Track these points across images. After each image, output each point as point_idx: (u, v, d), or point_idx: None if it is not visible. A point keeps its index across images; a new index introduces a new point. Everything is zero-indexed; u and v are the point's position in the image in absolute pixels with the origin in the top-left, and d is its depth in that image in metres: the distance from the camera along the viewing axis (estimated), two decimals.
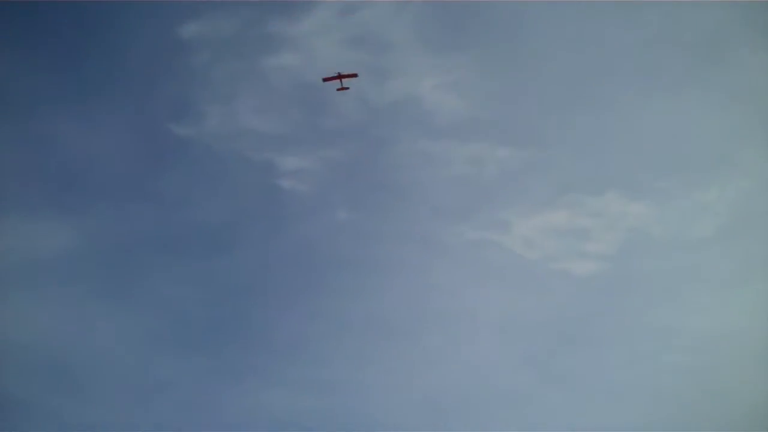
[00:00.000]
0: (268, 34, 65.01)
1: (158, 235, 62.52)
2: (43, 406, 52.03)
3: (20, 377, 53.30)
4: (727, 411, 49.22)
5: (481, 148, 63.66)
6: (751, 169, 59.18)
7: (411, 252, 62.06)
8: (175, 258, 61.65)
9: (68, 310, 57.79)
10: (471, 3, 63.85)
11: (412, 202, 63.81)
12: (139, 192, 63.54)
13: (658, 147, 61.75)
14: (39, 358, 54.69)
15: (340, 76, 55.13)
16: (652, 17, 62.34)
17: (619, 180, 61.44)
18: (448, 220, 63.00)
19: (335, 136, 64.93)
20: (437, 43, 65.22)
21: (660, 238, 60.08)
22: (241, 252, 62.90)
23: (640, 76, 62.68)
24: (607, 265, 59.71)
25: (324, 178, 64.51)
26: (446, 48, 65.17)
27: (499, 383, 56.29)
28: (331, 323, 59.70)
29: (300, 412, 54.66)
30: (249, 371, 57.27)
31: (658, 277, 58.31)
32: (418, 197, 63.88)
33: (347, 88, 56.17)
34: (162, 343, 57.53)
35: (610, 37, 63.31)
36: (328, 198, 64.19)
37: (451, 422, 53.99)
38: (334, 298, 60.56)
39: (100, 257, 60.61)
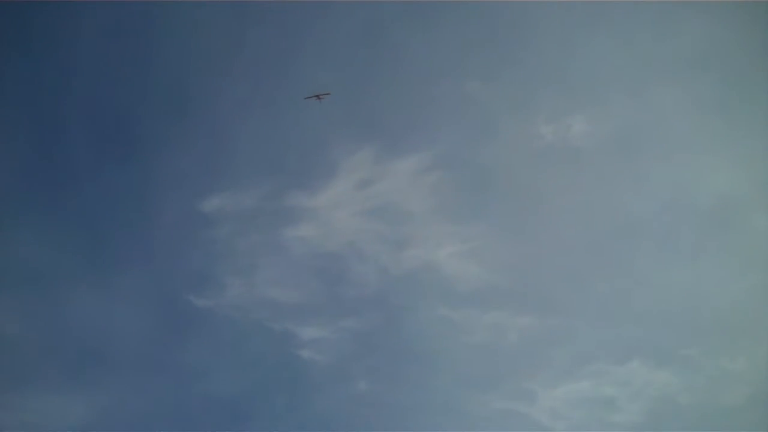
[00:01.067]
0: (287, 207, 67.07)
1: (176, 408, 61.59)
2: None
3: None
4: None
5: (501, 316, 63.63)
6: None
7: (435, 423, 60.62)
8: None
9: None
10: (486, 171, 66.27)
11: (434, 371, 63.03)
12: (157, 364, 63.31)
13: (680, 314, 61.52)
14: None
15: (317, 96, 59.86)
16: (664, 186, 64.24)
17: (643, 348, 60.83)
18: (473, 389, 61.99)
19: (354, 305, 65.16)
20: (454, 212, 66.96)
21: (688, 407, 58.80)
22: (260, 424, 61.70)
23: (657, 242, 63.66)
24: None
25: (343, 347, 64.16)
26: (463, 217, 66.79)
27: None
28: None
29: None
30: None
31: None
32: (440, 366, 63.12)
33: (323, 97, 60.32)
34: None
35: (625, 206, 64.96)
36: (347, 368, 63.54)
37: None
38: None
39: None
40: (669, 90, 64.54)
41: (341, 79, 67.40)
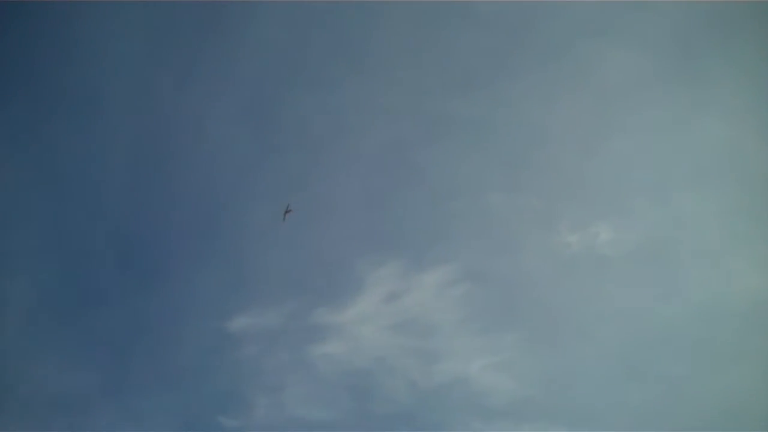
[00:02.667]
0: (313, 324, 66.76)
1: None
2: None
3: None
4: None
5: (535, 429, 62.42)
6: None
7: None
8: None
9: None
10: (512, 282, 66.17)
11: None
12: None
13: (717, 422, 60.03)
14: None
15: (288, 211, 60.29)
16: (695, 291, 63.55)
17: None
18: None
19: (385, 421, 63.88)
20: (482, 324, 66.34)
21: None
22: None
23: (690, 348, 62.49)
24: None
25: None
26: (492, 328, 66.12)
27: None
28: None
29: None
30: None
31: None
32: None
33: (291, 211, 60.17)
34: None
35: (657, 313, 64.06)
36: None
37: None
38: None
39: None
40: (693, 194, 64.71)
41: (364, 193, 68.50)
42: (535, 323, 65.87)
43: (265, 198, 68.80)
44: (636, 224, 65.95)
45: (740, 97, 63.43)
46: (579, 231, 66.16)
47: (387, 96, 69.46)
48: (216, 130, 69.91)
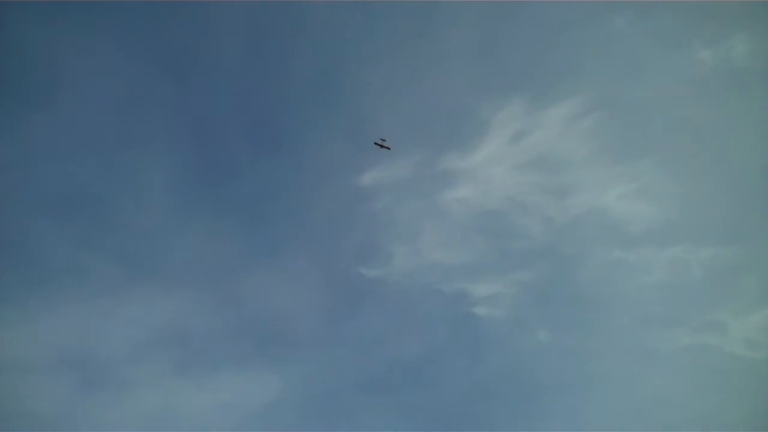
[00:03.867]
0: (442, 170, 68.17)
1: (358, 375, 63.85)
2: None
3: None
4: None
5: (680, 251, 62.37)
6: None
7: (620, 365, 60.34)
8: (378, 396, 62.70)
9: None
10: (643, 107, 64.88)
11: (613, 313, 62.64)
12: (336, 337, 65.60)
13: None
14: None
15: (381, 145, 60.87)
16: None
17: None
18: (657, 327, 61.28)
19: (523, 258, 65.39)
20: (615, 153, 66.06)
21: None
22: (443, 384, 63.11)
23: None
24: None
25: (519, 301, 64.64)
26: (625, 156, 65.82)
27: None
28: None
29: None
30: None
31: None
32: (619, 308, 62.71)
33: (389, 148, 61.13)
34: None
35: None
36: (526, 320, 64.05)
37: None
38: (550, 421, 59.21)
39: (307, 401, 62.49)
40: None
41: (478, 36, 67.98)
42: (671, 146, 65.00)
43: (382, 56, 69.93)
44: None
45: None
46: (713, 45, 64.09)
47: None
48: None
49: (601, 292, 63.16)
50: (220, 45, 70.24)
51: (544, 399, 60.68)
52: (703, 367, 58.87)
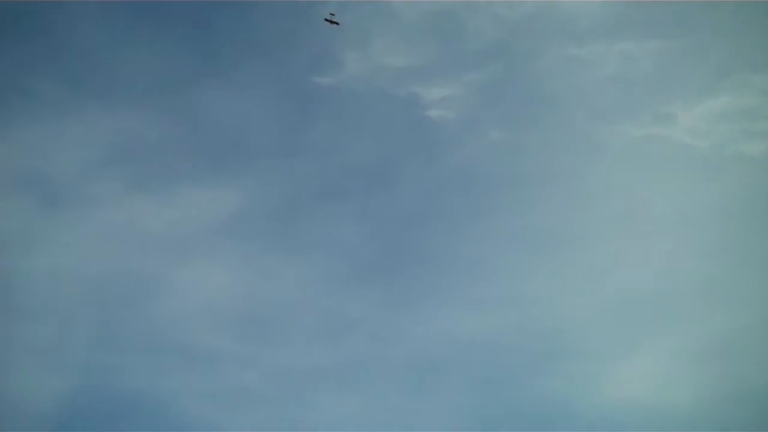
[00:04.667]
0: None
1: (316, 183, 64.49)
2: (236, 354, 54.81)
3: (213, 332, 56.19)
4: None
5: (631, 45, 61.94)
6: None
7: (574, 159, 61.63)
8: (337, 201, 63.59)
9: (246, 265, 60.58)
10: None
11: (566, 109, 63.20)
12: (291, 146, 65.46)
13: None
14: (226, 311, 57.63)
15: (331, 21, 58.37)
16: None
17: None
18: (608, 121, 62.24)
19: (476, 58, 64.57)
20: None
21: None
22: (401, 185, 64.31)
23: None
24: None
25: (471, 101, 64.71)
26: None
27: (686, 274, 55.42)
28: (501, 240, 60.39)
29: (480, 328, 55.59)
30: (428, 298, 58.63)
31: None
32: (572, 104, 63.21)
33: (337, 23, 58.51)
34: (340, 283, 59.50)
35: None
36: (478, 120, 64.34)
37: (640, 320, 54.12)
38: (501, 216, 61.25)
39: (268, 212, 63.08)
40: None
41: None
42: None
43: None
44: None
45: None
46: None
47: None
48: None
49: (554, 88, 63.34)
50: None
51: (500, 194, 62.52)
52: (654, 158, 60.48)
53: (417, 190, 63.67)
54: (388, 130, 65.33)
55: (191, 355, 53.74)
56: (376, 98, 65.06)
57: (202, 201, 62.09)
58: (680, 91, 61.02)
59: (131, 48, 64.58)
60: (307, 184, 64.10)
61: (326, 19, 58.52)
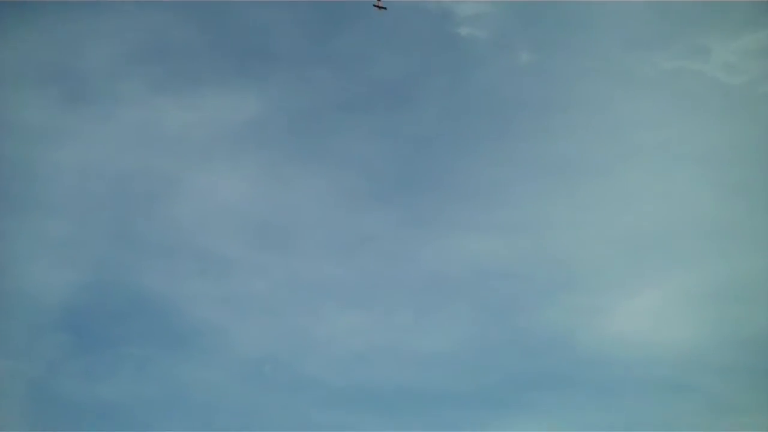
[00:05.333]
0: None
1: (339, 95, 63.79)
2: (248, 261, 56.28)
3: (227, 238, 57.42)
4: None
5: None
6: None
7: (601, 87, 60.49)
8: (359, 116, 63.06)
9: (264, 173, 61.14)
10: None
11: (599, 34, 61.37)
12: (317, 55, 64.69)
13: None
14: (242, 219, 58.76)
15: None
16: None
17: None
18: (640, 50, 60.39)
19: None
20: None
21: None
22: (425, 104, 63.53)
23: None
24: None
25: (504, 21, 63.01)
26: None
27: (704, 214, 55.04)
28: (520, 166, 60.05)
29: (492, 254, 56.20)
30: (443, 219, 59.07)
31: None
32: (605, 29, 61.27)
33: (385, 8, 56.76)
34: (356, 198, 59.92)
35: None
36: (509, 41, 62.67)
37: (650, 257, 54.22)
38: (523, 141, 60.71)
39: (288, 121, 62.76)
40: None
41: None
42: None
43: None
44: None
45: None
46: None
47: None
48: None
49: (589, 10, 61.02)
50: None
51: (523, 119, 61.84)
52: (683, 93, 58.99)
53: (441, 110, 63.02)
54: (417, 46, 64.00)
55: (204, 259, 55.49)
56: (406, 10, 63.25)
57: (225, 105, 61.95)
58: (718, 24, 58.82)
59: None
60: (330, 95, 63.58)
61: (375, 5, 56.81)
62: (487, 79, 62.72)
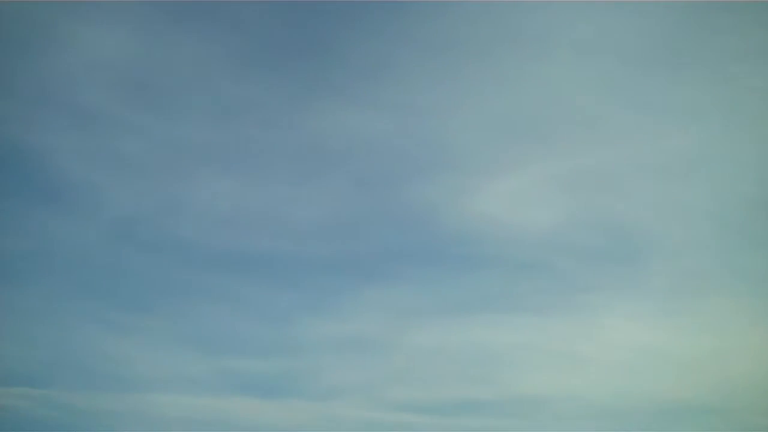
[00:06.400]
0: None
1: None
2: (123, 119, 53.18)
3: (101, 92, 54.82)
4: None
5: None
6: None
7: None
8: None
9: (148, 32, 57.36)
10: None
11: None
12: None
13: None
14: (120, 76, 55.99)
15: None
16: None
17: None
18: None
19: None
20: None
21: None
22: None
23: None
24: None
25: None
26: None
27: (578, 106, 57.08)
28: (412, 46, 59.77)
29: (372, 129, 56.72)
30: (326, 90, 58.49)
31: None
32: None
33: None
34: (241, 63, 58.29)
35: None
36: None
37: (520, 142, 56.35)
38: (419, 22, 60.07)
39: None
40: None
41: None
42: None
43: None
44: None
45: None
46: None
47: None
48: None
49: None
50: None
51: None
52: None
53: None
54: None
55: (79, 114, 53.35)
56: None
57: None
58: None
59: None
60: None
61: None
62: None
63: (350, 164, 56.10)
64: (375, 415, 45.94)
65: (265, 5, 59.55)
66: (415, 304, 50.28)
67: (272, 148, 56.19)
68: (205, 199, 53.38)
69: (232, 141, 56.04)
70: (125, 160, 53.29)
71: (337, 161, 56.15)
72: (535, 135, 55.77)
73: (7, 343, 47.55)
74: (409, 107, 57.44)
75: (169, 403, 49.02)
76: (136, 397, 48.75)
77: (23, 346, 47.73)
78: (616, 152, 55.23)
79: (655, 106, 55.23)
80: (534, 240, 51.93)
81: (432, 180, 55.06)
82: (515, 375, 47.87)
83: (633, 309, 50.00)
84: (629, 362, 48.32)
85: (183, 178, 53.93)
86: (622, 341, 49.07)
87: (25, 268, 48.50)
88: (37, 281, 47.71)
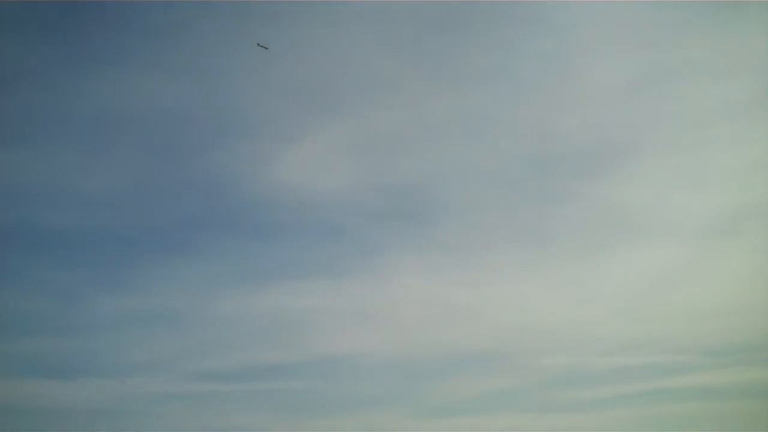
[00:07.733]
0: None
1: None
2: None
3: None
4: None
5: None
6: None
7: None
8: None
9: None
10: None
11: None
12: None
13: None
14: None
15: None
16: None
17: None
18: None
19: None
20: None
21: None
22: None
23: None
24: None
25: None
26: None
27: (367, 69, 58.25)
28: (199, 7, 57.99)
29: (163, 94, 56.42)
30: (116, 55, 56.27)
31: None
32: None
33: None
34: (20, 27, 54.63)
35: None
36: None
37: (314, 108, 56.51)
38: None
39: None
40: None
41: None
42: None
43: None
44: None
45: None
46: None
47: None
48: None
49: None
50: None
51: None
52: None
53: None
54: None
55: None
56: None
57: None
58: None
59: None
60: None
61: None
62: None
63: (142, 131, 54.41)
64: (180, 388, 46.22)
65: None
66: (215, 274, 50.70)
67: (58, 117, 53.06)
68: (5, 176, 49.78)
69: (15, 112, 52.40)
70: None
71: (127, 128, 54.24)
72: (327, 100, 56.78)
73: None
74: (198, 71, 56.29)
75: None
76: None
77: None
78: (405, 115, 57.58)
79: (441, 69, 58.08)
80: (329, 205, 53.65)
81: (228, 147, 54.86)
82: (316, 337, 50.00)
83: (423, 266, 53.51)
84: (422, 316, 51.93)
85: None
86: (414, 296, 52.64)
87: None
88: None
